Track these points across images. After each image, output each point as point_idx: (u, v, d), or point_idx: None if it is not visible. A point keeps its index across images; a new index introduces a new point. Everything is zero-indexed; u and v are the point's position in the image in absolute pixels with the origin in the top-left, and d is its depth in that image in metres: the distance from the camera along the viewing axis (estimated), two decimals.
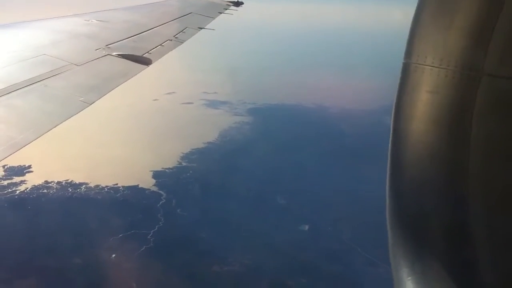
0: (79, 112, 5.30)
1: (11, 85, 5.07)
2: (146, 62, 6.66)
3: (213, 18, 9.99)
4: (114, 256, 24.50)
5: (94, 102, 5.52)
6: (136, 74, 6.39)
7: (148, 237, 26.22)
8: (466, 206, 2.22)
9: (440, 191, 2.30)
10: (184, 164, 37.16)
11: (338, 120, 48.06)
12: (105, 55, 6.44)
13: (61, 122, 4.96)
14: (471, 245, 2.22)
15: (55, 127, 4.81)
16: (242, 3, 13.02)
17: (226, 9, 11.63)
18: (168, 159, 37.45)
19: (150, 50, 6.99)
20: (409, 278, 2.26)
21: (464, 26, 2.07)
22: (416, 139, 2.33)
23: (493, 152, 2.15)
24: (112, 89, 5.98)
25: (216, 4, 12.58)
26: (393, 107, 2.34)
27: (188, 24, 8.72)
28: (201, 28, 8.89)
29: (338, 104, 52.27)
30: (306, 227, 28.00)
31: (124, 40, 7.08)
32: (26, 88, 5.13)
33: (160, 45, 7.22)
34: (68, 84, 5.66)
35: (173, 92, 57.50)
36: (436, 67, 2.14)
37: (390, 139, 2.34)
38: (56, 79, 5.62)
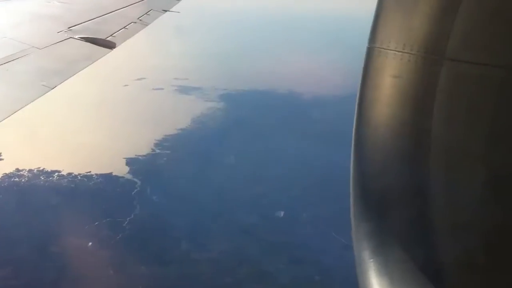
0: (41, 96, 5.23)
1: None
2: (109, 45, 6.58)
3: (178, 0, 9.87)
4: (91, 244, 24.26)
5: (56, 87, 5.45)
6: (100, 58, 6.32)
7: (124, 224, 25.98)
8: (427, 186, 2.31)
9: (403, 172, 2.40)
10: (157, 151, 36.72)
11: (310, 105, 48.34)
12: (67, 38, 6.32)
13: (22, 107, 4.89)
14: (430, 221, 2.31)
15: (16, 112, 4.74)
16: None
17: None
18: (141, 146, 36.94)
19: (114, 33, 6.90)
20: (371, 260, 2.33)
21: (427, 11, 2.13)
22: (380, 123, 2.43)
23: (455, 134, 2.24)
24: (75, 73, 5.90)
25: None
26: (358, 91, 2.40)
27: (152, 6, 8.61)
28: (166, 11, 8.79)
29: (309, 89, 52.50)
30: (282, 213, 28.30)
31: (87, 22, 6.96)
32: None
33: (124, 27, 7.13)
34: (30, 68, 5.57)
35: (144, 78, 56.40)
36: (399, 51, 2.22)
37: (355, 122, 2.41)
38: (17, 62, 5.51)
